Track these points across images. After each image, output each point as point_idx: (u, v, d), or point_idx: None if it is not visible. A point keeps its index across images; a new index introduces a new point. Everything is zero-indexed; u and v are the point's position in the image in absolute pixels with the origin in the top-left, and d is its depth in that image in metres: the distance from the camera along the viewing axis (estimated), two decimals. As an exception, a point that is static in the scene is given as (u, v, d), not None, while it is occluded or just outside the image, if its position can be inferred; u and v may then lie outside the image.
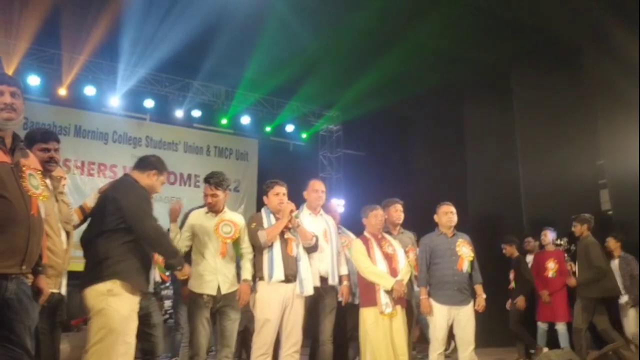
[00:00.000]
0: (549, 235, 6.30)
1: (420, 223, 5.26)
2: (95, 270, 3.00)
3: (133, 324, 3.03)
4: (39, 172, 2.43)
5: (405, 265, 4.32)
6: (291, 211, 3.97)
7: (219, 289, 3.78)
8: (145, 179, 3.23)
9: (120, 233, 3.02)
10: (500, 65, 8.10)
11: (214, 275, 3.79)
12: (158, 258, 3.65)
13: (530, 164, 7.82)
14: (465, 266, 4.39)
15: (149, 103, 8.98)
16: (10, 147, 2.32)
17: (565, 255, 6.35)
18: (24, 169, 2.30)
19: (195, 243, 3.85)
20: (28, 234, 2.22)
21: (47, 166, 2.88)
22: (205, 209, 3.98)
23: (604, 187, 7.44)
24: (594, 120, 7.18)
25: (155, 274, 3.73)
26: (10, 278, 2.18)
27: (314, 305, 4.14)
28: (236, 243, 3.91)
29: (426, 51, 7.65)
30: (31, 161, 2.42)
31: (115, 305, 2.91)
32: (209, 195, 3.89)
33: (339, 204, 8.64)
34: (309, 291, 3.92)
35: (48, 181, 2.85)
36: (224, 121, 9.79)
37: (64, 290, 3.07)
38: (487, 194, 8.13)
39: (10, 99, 2.28)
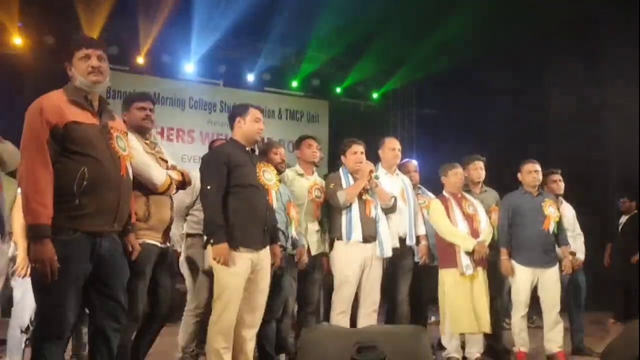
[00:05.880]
0: None
1: (496, 183, 5.04)
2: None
3: (259, 277, 3.08)
4: (125, 134, 2.49)
5: (487, 225, 4.16)
6: (370, 171, 3.88)
7: (309, 250, 3.85)
8: (237, 132, 3.23)
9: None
10: (587, 9, 7.45)
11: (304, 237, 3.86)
12: (293, 215, 3.70)
13: (621, 116, 7.23)
14: (551, 226, 4.19)
15: (221, 68, 9.09)
16: (98, 109, 2.39)
17: None
18: (111, 130, 2.37)
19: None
20: (119, 194, 2.31)
21: (144, 124, 2.94)
22: (297, 170, 4.05)
23: None
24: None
25: (292, 232, 3.68)
26: (104, 235, 2.28)
27: (391, 266, 4.10)
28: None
29: (505, 1, 7.16)
30: (117, 123, 2.49)
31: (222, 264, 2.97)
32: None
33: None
34: (388, 253, 3.87)
35: (147, 143, 2.97)
36: (295, 84, 9.71)
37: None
38: (572, 150, 7.63)
39: (97, 62, 2.32)
